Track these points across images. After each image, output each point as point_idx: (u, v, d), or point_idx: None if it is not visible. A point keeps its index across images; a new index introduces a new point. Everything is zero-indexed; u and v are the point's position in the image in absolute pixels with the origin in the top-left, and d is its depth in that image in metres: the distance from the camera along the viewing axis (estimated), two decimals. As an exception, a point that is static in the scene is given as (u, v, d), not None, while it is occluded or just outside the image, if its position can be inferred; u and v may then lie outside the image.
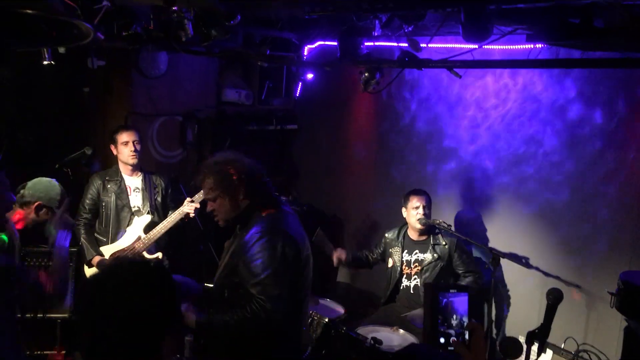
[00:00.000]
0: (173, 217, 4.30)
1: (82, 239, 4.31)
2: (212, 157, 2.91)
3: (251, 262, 2.63)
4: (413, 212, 4.45)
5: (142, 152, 4.52)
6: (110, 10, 3.32)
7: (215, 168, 2.79)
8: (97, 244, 4.33)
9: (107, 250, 4.32)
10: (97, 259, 4.24)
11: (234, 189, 2.75)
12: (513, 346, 2.35)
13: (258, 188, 2.80)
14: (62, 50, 3.80)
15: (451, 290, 2.23)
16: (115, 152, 4.42)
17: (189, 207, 4.30)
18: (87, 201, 4.37)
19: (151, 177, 4.56)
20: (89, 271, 4.30)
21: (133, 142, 4.35)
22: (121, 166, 4.45)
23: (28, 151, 4.91)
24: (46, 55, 3.61)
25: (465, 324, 2.21)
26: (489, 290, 4.32)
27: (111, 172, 4.46)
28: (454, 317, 2.19)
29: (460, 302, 2.22)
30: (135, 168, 4.47)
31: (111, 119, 5.25)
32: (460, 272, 4.44)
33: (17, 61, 4.42)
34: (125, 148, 4.34)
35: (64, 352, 4.41)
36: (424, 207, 4.42)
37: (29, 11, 1.32)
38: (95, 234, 4.40)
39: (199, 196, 4.28)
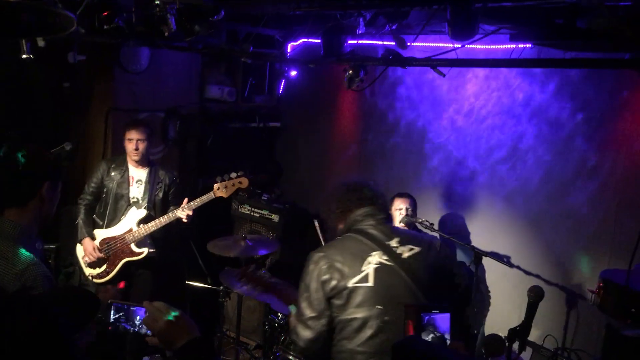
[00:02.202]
0: (165, 219, 4.32)
1: (79, 219, 4.44)
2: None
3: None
4: (396, 214, 4.47)
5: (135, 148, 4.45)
6: (92, 3, 3.26)
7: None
8: (92, 227, 4.45)
9: (100, 234, 4.41)
10: (86, 240, 4.36)
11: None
12: (495, 343, 2.37)
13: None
14: (41, 43, 3.73)
15: (434, 310, 2.27)
16: (125, 146, 4.47)
17: (181, 213, 4.29)
18: (92, 184, 4.49)
19: (157, 171, 4.57)
20: (80, 249, 4.42)
21: (137, 141, 4.37)
22: (128, 157, 4.49)
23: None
24: (25, 49, 3.52)
25: (447, 341, 2.23)
26: (470, 292, 4.34)
27: (118, 160, 4.52)
28: (435, 334, 2.22)
29: (442, 320, 2.25)
30: (141, 162, 4.49)
31: (92, 114, 5.17)
32: None
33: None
34: (129, 145, 4.39)
35: None
36: (407, 209, 4.44)
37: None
38: (94, 216, 4.50)
39: (194, 203, 4.31)
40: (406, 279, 2.48)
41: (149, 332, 1.77)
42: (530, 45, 4.03)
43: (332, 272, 2.44)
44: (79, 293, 1.97)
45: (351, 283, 2.43)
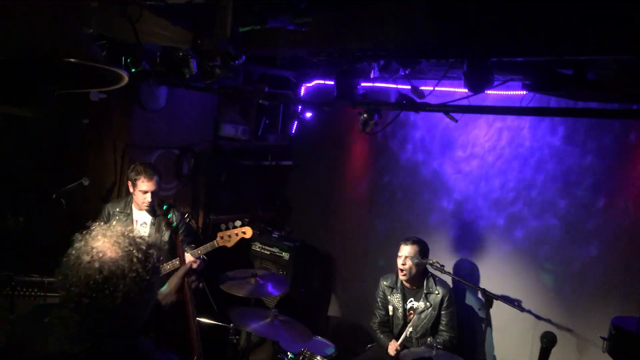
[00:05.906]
0: (169, 266, 4.17)
1: None
2: None
3: None
4: (398, 262, 4.49)
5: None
6: (118, 45, 3.39)
7: None
8: None
9: None
10: None
11: None
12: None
13: None
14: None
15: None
16: (131, 190, 4.44)
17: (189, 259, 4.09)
18: None
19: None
20: None
21: (151, 193, 4.33)
22: (134, 202, 4.48)
23: (24, 181, 4.92)
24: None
25: None
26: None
27: (122, 204, 4.51)
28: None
29: None
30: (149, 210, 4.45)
31: (109, 150, 5.28)
32: (441, 324, 4.47)
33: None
34: (141, 195, 4.35)
35: None
36: (405, 257, 4.44)
37: (72, 60, 1.37)
38: None
39: (199, 252, 4.25)
40: None
41: None
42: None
43: None
44: None
45: None
